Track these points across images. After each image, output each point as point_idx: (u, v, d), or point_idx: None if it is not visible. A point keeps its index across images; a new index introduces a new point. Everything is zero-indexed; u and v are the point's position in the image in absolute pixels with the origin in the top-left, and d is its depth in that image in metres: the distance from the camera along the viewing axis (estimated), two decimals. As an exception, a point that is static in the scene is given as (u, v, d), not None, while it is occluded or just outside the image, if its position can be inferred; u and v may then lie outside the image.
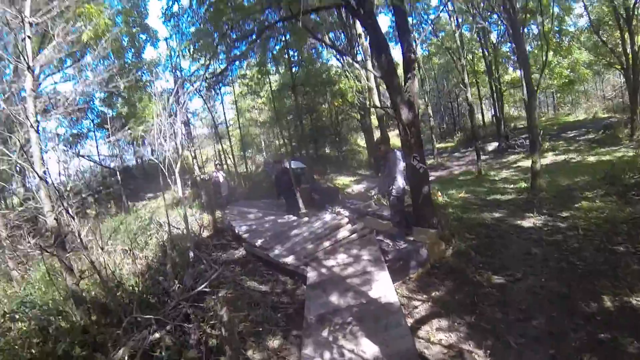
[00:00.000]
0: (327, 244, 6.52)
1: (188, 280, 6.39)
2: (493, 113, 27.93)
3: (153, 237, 9.19)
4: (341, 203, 9.42)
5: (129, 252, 8.41)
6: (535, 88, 10.85)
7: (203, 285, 5.61)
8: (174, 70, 9.96)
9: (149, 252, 8.46)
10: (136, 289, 6.23)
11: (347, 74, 18.17)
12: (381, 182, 6.83)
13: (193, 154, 9.29)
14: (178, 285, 6.47)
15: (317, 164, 22.21)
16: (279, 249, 6.58)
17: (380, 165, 8.21)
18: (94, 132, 15.94)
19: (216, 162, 11.14)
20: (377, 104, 13.76)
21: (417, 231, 6.60)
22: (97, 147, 18.79)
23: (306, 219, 8.28)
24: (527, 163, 16.03)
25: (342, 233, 6.90)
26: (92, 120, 15.95)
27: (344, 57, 16.79)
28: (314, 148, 25.36)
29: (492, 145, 22.31)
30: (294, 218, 8.69)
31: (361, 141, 27.72)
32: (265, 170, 21.44)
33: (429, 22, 23.22)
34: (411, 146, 6.88)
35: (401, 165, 6.24)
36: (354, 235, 6.79)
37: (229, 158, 19.09)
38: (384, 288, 4.71)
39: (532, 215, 8.00)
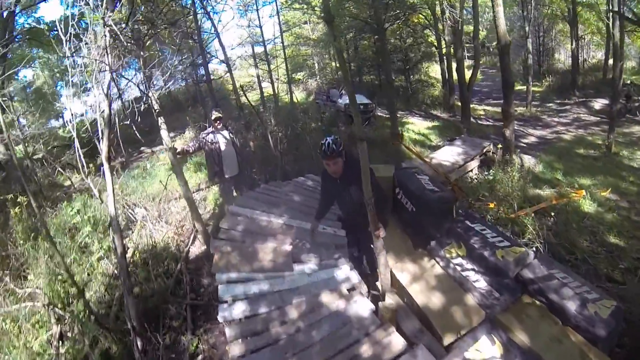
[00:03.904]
0: None
1: None
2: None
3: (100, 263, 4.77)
4: (453, 232, 4.17)
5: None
6: None
7: None
8: None
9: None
10: None
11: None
12: None
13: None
14: None
15: (381, 96, 16.55)
16: None
17: None
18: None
19: (214, 115, 5.30)
20: (502, 23, 7.55)
21: None
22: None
23: (396, 339, 2.73)
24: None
25: None
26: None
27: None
28: (376, 75, 19.42)
29: (598, 103, 15.55)
30: (362, 302, 3.21)
31: (432, 72, 21.01)
32: (316, 103, 16.03)
33: None
34: None
35: None
36: None
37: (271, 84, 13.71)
38: None
39: None
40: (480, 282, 3.49)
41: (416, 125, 12.99)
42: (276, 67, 13.95)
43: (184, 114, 15.19)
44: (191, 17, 9.14)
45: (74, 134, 3.54)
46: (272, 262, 3.55)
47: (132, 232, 5.56)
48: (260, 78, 14.31)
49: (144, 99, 3.74)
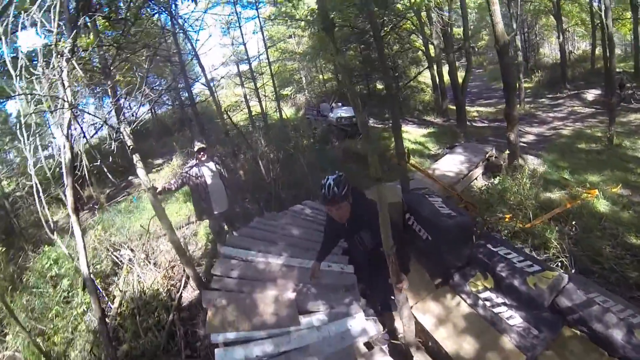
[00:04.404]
0: None
1: None
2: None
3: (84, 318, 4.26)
4: (475, 260, 3.65)
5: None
6: None
7: None
8: None
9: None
10: None
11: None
12: None
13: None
14: None
15: (371, 106, 16.18)
16: None
17: None
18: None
19: (197, 146, 4.73)
20: (500, 22, 7.13)
21: None
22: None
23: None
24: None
25: None
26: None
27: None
28: (365, 85, 19.03)
29: (591, 94, 15.32)
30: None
31: (421, 77, 20.58)
32: (307, 118, 15.56)
33: None
34: None
35: None
36: None
37: (257, 102, 13.18)
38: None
39: None
40: (514, 319, 3.01)
41: (411, 134, 12.52)
42: (263, 85, 13.48)
43: (172, 139, 14.66)
44: (170, 39, 8.66)
45: (35, 181, 3.05)
46: (275, 315, 3.03)
47: (119, 278, 5.01)
48: (247, 97, 13.81)
49: (114, 135, 3.23)
